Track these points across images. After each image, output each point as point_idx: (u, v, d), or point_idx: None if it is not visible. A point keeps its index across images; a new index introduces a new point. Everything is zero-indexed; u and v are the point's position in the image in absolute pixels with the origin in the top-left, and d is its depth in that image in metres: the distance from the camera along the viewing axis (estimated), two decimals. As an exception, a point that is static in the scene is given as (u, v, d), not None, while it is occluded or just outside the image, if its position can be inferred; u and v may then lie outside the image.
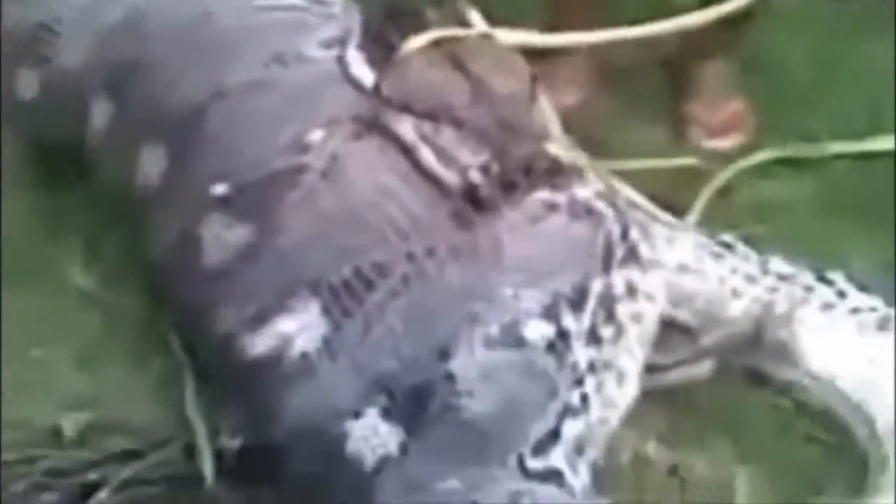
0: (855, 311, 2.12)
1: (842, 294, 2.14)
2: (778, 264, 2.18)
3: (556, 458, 1.77)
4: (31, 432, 1.95)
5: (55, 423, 1.96)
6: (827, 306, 2.13)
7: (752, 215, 2.56)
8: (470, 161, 1.86)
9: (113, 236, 2.20)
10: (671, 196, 2.45)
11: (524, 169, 1.87)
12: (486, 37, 2.01)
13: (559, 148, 1.90)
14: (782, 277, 2.16)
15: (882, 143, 2.77)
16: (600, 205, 1.92)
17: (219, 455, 1.93)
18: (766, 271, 2.16)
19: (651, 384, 2.07)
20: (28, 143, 2.39)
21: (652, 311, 1.97)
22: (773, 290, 2.14)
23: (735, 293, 2.13)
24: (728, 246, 2.19)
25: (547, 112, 1.93)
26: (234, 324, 1.89)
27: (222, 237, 1.95)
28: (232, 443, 1.91)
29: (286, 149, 1.98)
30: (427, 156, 1.89)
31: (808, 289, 2.15)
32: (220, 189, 1.98)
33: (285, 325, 1.85)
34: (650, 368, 2.07)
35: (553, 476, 1.76)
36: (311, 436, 1.81)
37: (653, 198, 2.27)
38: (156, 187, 2.09)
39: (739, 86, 2.82)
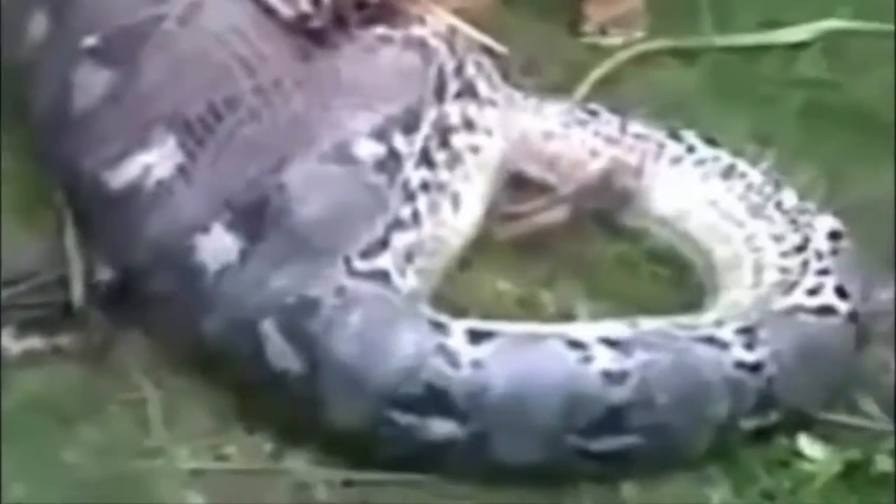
0: (701, 162, 2.27)
1: (691, 148, 2.30)
2: (636, 126, 2.33)
3: (384, 261, 1.92)
4: None
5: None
6: (676, 160, 2.29)
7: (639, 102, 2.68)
8: None
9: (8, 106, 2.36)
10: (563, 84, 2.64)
11: (355, 3, 2.03)
12: None
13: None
14: (638, 136, 2.31)
15: (767, 38, 2.91)
16: (434, 41, 2.07)
17: (92, 288, 2.09)
18: (624, 132, 2.31)
19: (508, 232, 2.23)
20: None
21: (491, 144, 2.12)
22: (630, 148, 2.29)
23: (594, 153, 2.29)
24: (593, 112, 2.35)
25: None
26: (99, 162, 2.05)
27: (89, 84, 2.11)
28: (103, 274, 2.07)
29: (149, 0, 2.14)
30: None
31: (661, 145, 2.30)
32: (90, 41, 2.14)
33: (144, 158, 2.01)
34: (507, 217, 2.23)
35: (379, 276, 1.91)
36: (164, 253, 1.97)
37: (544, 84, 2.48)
38: (38, 48, 2.25)
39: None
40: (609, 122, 2.35)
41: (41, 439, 1.94)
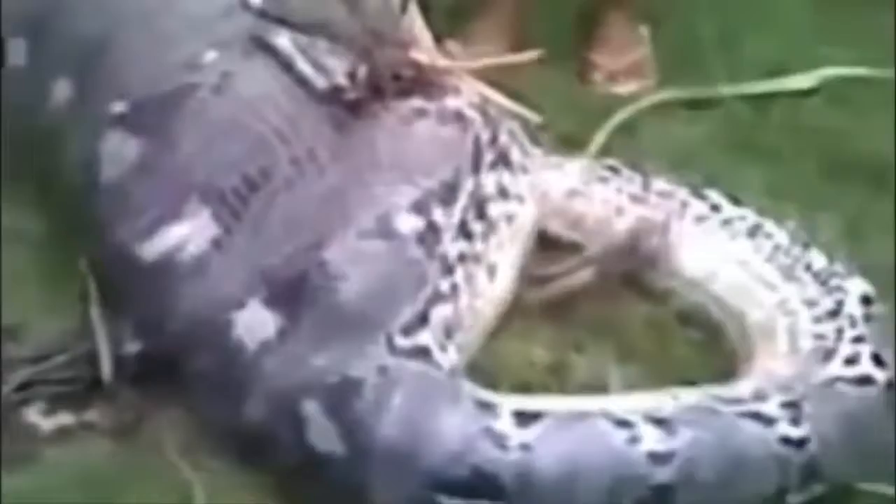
0: (727, 221, 2.24)
1: (716, 207, 2.27)
2: (659, 183, 2.30)
3: (425, 337, 1.87)
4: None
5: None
6: (701, 218, 2.25)
7: (652, 153, 2.66)
8: (338, 67, 1.98)
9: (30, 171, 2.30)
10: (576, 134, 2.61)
11: (391, 74, 1.98)
12: None
13: (427, 55, 2.01)
14: (662, 194, 2.28)
15: (774, 86, 2.89)
16: (470, 112, 2.03)
17: (121, 361, 2.03)
18: (648, 190, 2.28)
19: (537, 295, 2.18)
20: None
21: (524, 211, 2.08)
22: (654, 206, 2.25)
23: (619, 211, 2.25)
24: (614, 169, 2.31)
25: (417, 22, 2.04)
26: (130, 233, 2.00)
27: (119, 153, 2.05)
28: (132, 347, 2.01)
29: (182, 68, 2.09)
30: (303, 65, 2.00)
31: (685, 203, 2.27)
32: (118, 108, 2.09)
33: (177, 230, 1.96)
34: (536, 280, 2.19)
35: (421, 353, 1.86)
36: (200, 329, 1.91)
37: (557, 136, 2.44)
38: (61, 113, 2.20)
39: (643, 36, 2.94)
40: (631, 180, 2.32)
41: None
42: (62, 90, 2.21)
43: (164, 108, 2.05)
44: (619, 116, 2.71)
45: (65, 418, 1.99)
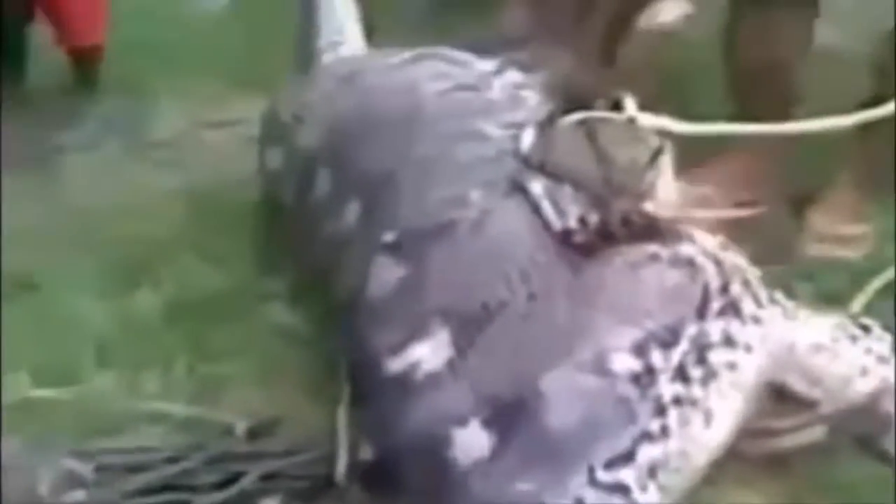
0: None
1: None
2: (910, 346, 2.25)
3: (626, 475, 1.92)
4: (207, 429, 2.27)
5: (229, 423, 2.28)
6: None
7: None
8: (573, 211, 2.09)
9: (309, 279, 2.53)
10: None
11: (622, 221, 2.07)
12: (630, 120, 2.23)
13: (663, 207, 2.08)
14: (910, 358, 2.23)
15: None
16: (702, 259, 2.08)
17: (355, 465, 2.19)
18: None
19: (760, 448, 2.18)
20: (266, 202, 2.79)
21: (749, 362, 2.09)
22: None
23: (864, 372, 2.22)
24: (866, 328, 2.28)
25: (666, 174, 2.12)
26: (379, 349, 2.16)
27: (384, 275, 2.24)
28: (365, 453, 2.17)
29: (448, 204, 2.25)
30: (546, 208, 2.13)
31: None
32: (389, 236, 2.28)
33: (418, 350, 2.11)
34: (764, 432, 2.18)
35: (620, 490, 1.90)
36: (422, 442, 2.04)
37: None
38: (350, 234, 2.42)
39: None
40: (882, 340, 2.27)
41: None
42: (352, 212, 2.43)
43: (427, 239, 2.21)
44: (884, 277, 2.66)
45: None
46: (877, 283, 2.59)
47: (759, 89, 2.82)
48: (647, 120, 2.20)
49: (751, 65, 2.87)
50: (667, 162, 2.14)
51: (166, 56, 3.61)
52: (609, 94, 2.25)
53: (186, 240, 2.85)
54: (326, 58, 3.12)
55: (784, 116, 2.54)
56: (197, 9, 3.99)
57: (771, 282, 2.20)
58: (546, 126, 2.30)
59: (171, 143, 3.33)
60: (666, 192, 2.09)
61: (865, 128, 2.48)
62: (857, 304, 2.51)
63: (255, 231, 2.83)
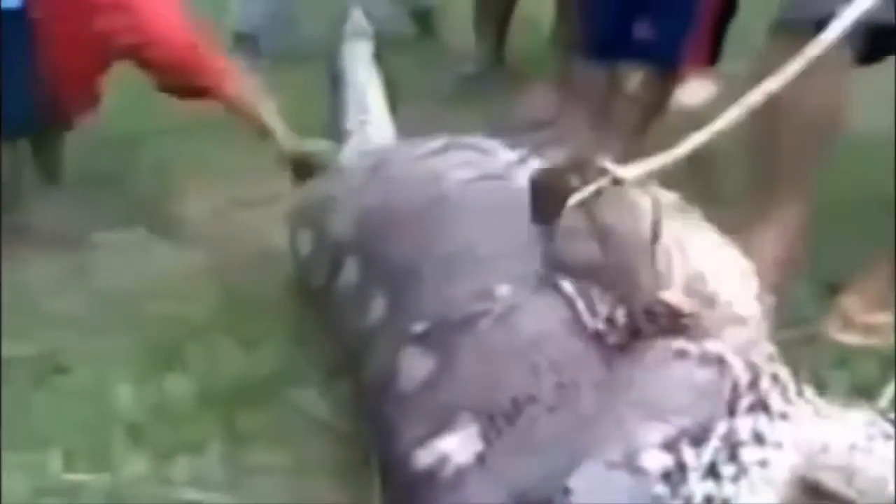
0: None
1: None
2: (945, 443, 2.23)
3: (658, 577, 1.90)
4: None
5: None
6: None
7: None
8: (602, 311, 2.10)
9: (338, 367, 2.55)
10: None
11: (646, 314, 2.07)
12: (616, 182, 2.21)
13: (679, 297, 2.09)
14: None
15: None
16: (731, 356, 2.08)
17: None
18: None
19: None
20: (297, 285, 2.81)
21: (780, 459, 2.08)
22: None
23: None
24: None
25: (675, 258, 2.12)
26: (409, 441, 2.16)
27: (413, 368, 2.24)
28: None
29: (475, 297, 2.26)
30: (580, 306, 2.13)
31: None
32: (419, 327, 2.28)
33: (447, 443, 2.10)
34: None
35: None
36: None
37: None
38: (376, 326, 2.43)
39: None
40: None
41: None
42: (378, 306, 2.44)
43: (455, 331, 2.22)
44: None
45: None
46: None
47: None
48: (629, 172, 2.18)
49: None
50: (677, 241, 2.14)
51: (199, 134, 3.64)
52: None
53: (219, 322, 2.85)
54: (354, 138, 3.15)
55: None
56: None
57: (801, 370, 2.19)
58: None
59: (203, 222, 3.34)
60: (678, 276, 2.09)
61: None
62: (886, 397, 2.49)
63: (288, 314, 2.84)
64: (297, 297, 2.85)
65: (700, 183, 2.56)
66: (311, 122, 3.33)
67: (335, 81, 3.33)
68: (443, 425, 2.10)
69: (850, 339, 2.77)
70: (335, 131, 3.25)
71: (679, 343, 2.08)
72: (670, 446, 1.97)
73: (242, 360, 2.76)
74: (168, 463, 2.46)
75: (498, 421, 2.07)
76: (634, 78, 3.57)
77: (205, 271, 3.12)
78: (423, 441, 2.11)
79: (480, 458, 2.04)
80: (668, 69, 3.52)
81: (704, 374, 2.04)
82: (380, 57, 3.33)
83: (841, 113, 2.82)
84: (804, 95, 2.53)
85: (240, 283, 3.03)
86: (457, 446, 2.06)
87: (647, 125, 3.59)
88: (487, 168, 2.62)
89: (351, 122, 3.23)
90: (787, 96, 2.37)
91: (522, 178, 2.52)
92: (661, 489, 1.95)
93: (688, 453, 1.97)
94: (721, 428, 2.01)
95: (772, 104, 2.35)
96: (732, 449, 2.02)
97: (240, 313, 2.90)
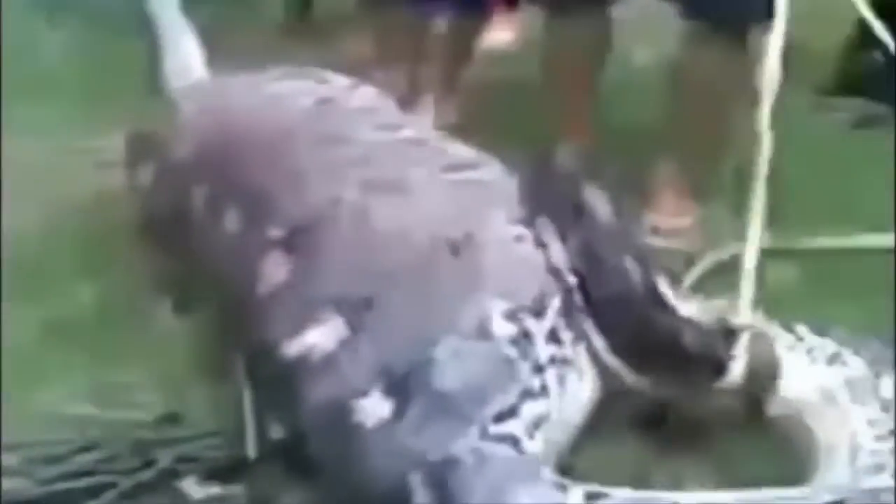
0: (810, 350, 2.45)
1: (800, 339, 2.48)
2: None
3: (514, 426, 2.13)
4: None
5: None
6: (789, 348, 2.46)
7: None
8: None
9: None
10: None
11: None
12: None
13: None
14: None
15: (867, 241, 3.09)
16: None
17: (265, 443, 2.34)
18: None
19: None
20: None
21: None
22: None
23: None
24: None
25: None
26: (277, 337, 2.32)
27: (274, 271, 2.40)
28: (275, 432, 2.33)
29: (330, 202, 2.43)
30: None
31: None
32: (276, 233, 2.43)
33: (313, 335, 2.27)
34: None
35: (509, 439, 2.11)
36: (328, 415, 2.20)
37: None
38: (230, 241, 2.56)
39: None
40: None
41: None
42: (232, 219, 2.57)
43: (311, 233, 2.39)
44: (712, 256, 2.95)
45: (214, 489, 2.29)
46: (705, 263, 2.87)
47: None
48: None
49: None
50: None
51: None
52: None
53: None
54: (176, 81, 3.24)
55: None
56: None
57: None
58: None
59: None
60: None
61: None
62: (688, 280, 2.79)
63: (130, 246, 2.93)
64: (141, 229, 2.95)
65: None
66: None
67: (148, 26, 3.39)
68: (307, 320, 2.26)
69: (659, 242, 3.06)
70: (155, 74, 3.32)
71: (518, 229, 2.30)
72: (514, 317, 2.19)
73: (90, 292, 2.84)
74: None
75: (359, 309, 2.24)
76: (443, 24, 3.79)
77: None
78: (290, 335, 2.26)
79: (346, 343, 2.21)
80: (474, 13, 3.74)
81: (537, 256, 2.27)
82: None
83: None
84: None
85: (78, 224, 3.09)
86: (323, 337, 2.23)
87: (457, 68, 3.81)
88: (324, 92, 2.78)
89: (170, 62, 3.31)
90: None
91: (357, 99, 2.70)
92: (510, 352, 2.17)
93: (530, 322, 2.20)
94: (554, 302, 2.24)
95: None
96: (569, 317, 2.25)
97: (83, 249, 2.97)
